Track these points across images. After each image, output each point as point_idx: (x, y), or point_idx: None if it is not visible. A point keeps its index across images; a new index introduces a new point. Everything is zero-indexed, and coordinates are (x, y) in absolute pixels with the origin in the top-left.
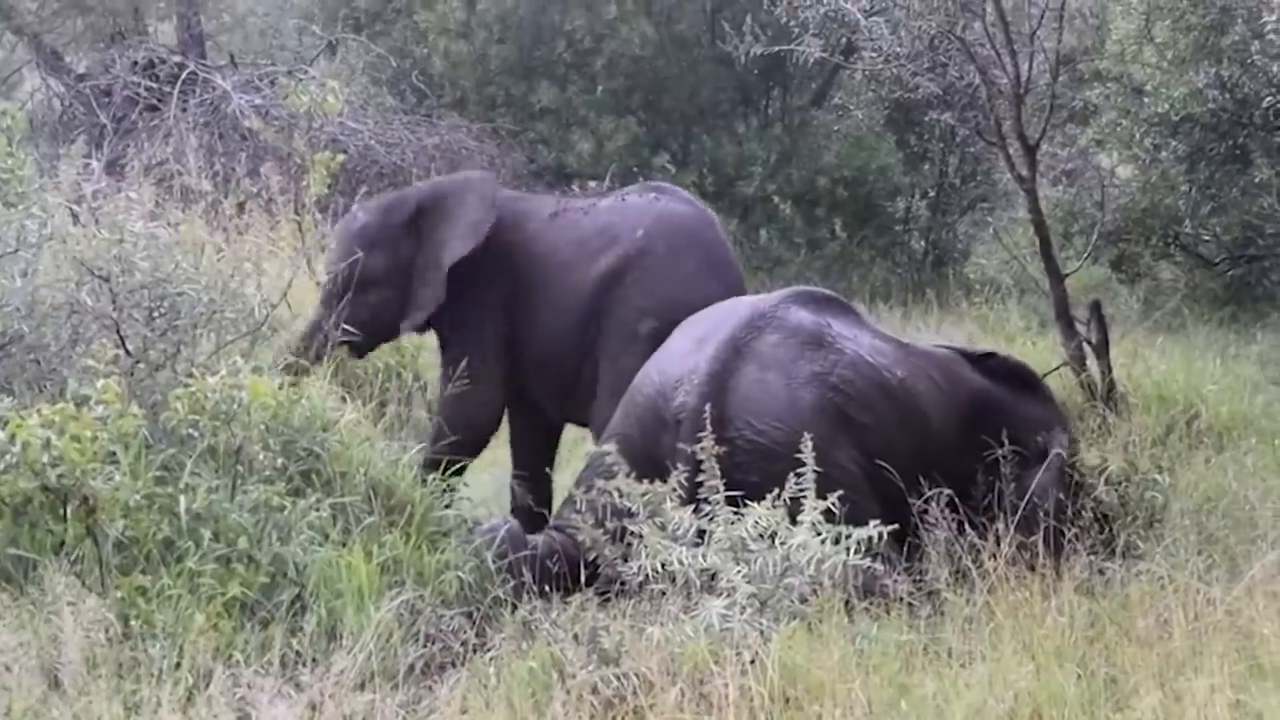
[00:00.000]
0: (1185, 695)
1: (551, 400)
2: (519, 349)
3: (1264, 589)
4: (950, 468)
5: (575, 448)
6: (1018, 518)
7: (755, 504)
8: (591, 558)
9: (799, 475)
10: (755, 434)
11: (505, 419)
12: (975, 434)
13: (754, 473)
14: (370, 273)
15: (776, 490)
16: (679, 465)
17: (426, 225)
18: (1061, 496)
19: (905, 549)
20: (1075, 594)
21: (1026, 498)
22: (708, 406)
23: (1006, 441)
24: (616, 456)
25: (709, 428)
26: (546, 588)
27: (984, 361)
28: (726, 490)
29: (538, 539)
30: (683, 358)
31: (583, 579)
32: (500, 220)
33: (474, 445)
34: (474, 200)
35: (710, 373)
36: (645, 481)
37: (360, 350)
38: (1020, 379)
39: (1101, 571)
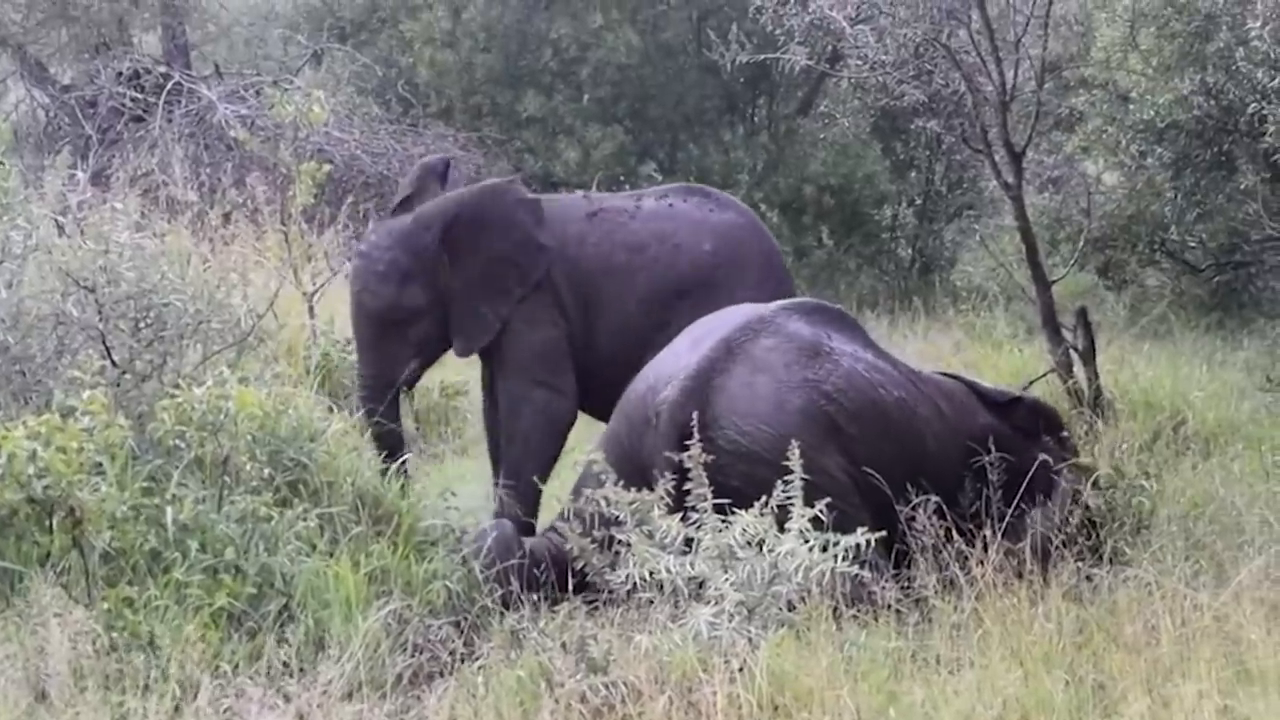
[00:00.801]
0: (1173, 701)
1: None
2: (576, 354)
3: (1251, 595)
4: (946, 494)
5: (563, 457)
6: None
7: (737, 510)
8: (579, 566)
9: (784, 481)
10: (738, 434)
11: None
12: (979, 469)
13: (735, 477)
14: (412, 307)
15: (760, 496)
16: (660, 468)
17: (467, 243)
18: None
19: (894, 558)
20: (1063, 600)
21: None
22: (689, 401)
23: (1017, 486)
24: (604, 464)
25: (690, 422)
26: (534, 595)
27: (1009, 407)
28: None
29: (527, 546)
30: (677, 356)
31: (571, 587)
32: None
33: (558, 452)
34: (521, 213)
35: (698, 369)
36: (631, 481)
37: (412, 385)
38: (1050, 421)
39: (1089, 578)
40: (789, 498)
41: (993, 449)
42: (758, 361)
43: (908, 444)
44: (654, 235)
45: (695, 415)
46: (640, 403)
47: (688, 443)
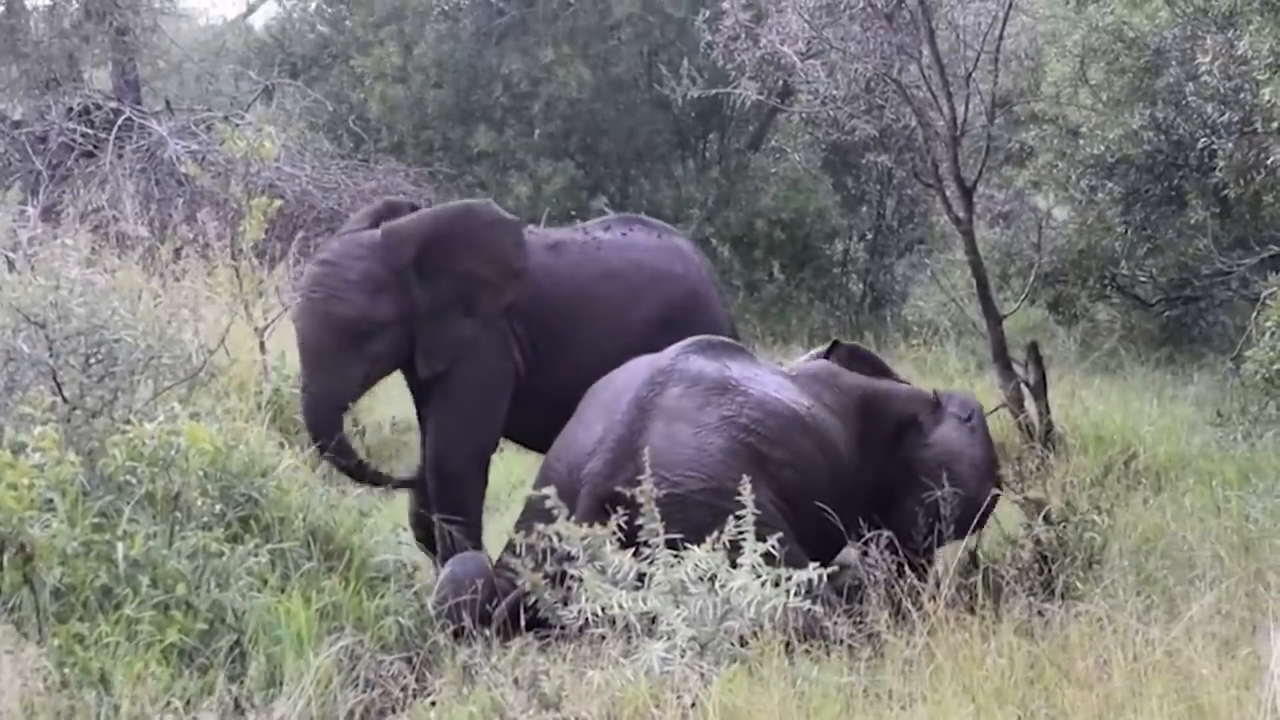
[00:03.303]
0: None
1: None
2: (534, 387)
3: (1202, 629)
4: (866, 486)
5: (514, 492)
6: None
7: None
8: (532, 602)
9: (737, 517)
10: (671, 486)
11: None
12: (872, 435)
13: (675, 525)
14: (378, 319)
15: (699, 542)
16: (618, 509)
17: (439, 262)
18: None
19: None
20: (1015, 635)
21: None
22: (618, 472)
23: (895, 424)
24: (555, 499)
25: (619, 491)
26: (486, 631)
27: (836, 352)
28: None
29: (479, 582)
30: (591, 426)
31: (523, 622)
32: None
33: (483, 485)
34: (499, 233)
35: (619, 437)
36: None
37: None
38: (872, 364)
39: (1041, 613)
40: (741, 532)
41: (871, 407)
42: (671, 412)
43: (828, 449)
44: (630, 265)
45: (627, 478)
46: (567, 476)
47: (623, 512)
